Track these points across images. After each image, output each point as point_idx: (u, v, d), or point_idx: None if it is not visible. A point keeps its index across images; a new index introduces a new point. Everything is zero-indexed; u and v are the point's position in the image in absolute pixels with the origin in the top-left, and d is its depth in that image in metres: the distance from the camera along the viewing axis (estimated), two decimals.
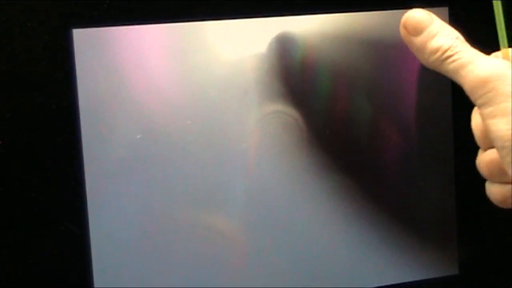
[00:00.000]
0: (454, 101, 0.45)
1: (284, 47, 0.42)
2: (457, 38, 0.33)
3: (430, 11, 0.34)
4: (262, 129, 0.42)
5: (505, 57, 0.33)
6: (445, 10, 0.44)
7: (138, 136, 0.40)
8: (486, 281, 0.47)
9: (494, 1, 0.33)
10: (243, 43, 0.41)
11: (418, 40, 0.34)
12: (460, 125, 0.44)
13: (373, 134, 0.44)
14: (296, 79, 0.42)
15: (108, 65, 0.39)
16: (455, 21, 0.43)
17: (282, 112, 0.42)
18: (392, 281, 0.44)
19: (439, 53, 0.33)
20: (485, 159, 0.35)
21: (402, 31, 0.34)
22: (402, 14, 0.34)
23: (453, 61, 0.32)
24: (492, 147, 0.33)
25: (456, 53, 0.32)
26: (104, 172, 0.39)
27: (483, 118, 0.31)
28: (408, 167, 0.44)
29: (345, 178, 0.43)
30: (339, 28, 0.42)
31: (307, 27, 0.42)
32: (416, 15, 0.34)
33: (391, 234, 0.44)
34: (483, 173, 0.35)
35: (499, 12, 0.33)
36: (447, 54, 0.33)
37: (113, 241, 0.40)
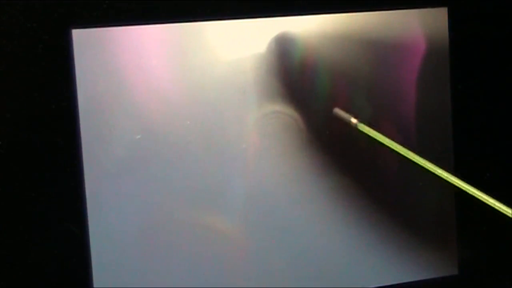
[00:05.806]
0: (454, 101, 0.45)
1: (283, 47, 0.42)
2: None
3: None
4: (261, 130, 0.42)
5: None
6: (445, 10, 0.44)
7: (138, 136, 0.40)
8: (486, 281, 0.47)
9: None
10: (242, 43, 0.41)
11: None
12: (460, 125, 0.44)
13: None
14: (295, 79, 0.42)
15: (107, 65, 0.39)
16: (455, 21, 0.43)
17: (282, 113, 0.42)
18: (391, 281, 0.44)
19: None
20: None
21: None
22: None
23: None
24: None
25: None
26: (104, 172, 0.39)
27: None
28: (408, 167, 0.44)
29: (345, 178, 0.43)
30: (339, 28, 0.42)
31: (307, 27, 0.42)
32: None
33: (391, 234, 0.44)
34: None
35: None
36: None
37: (113, 241, 0.40)
